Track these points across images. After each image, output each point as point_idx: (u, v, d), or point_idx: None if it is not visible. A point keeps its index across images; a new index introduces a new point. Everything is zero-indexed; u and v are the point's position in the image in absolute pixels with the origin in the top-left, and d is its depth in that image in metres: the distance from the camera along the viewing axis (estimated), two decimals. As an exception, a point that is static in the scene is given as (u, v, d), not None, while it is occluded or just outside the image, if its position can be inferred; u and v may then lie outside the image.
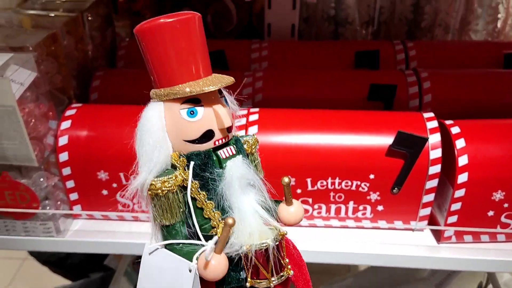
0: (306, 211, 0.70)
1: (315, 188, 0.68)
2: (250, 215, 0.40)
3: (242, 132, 0.67)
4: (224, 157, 0.41)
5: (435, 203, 0.69)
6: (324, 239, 0.71)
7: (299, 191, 0.68)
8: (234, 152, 0.42)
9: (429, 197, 0.67)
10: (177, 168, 0.40)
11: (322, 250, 0.69)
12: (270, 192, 0.43)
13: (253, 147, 0.44)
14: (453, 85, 0.79)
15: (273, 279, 0.42)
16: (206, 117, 0.40)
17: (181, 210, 0.41)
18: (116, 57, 0.93)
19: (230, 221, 0.37)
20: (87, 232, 0.73)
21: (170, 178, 0.39)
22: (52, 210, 0.69)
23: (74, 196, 0.71)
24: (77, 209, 0.73)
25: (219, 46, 0.88)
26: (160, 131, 0.40)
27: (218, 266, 0.38)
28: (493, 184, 0.64)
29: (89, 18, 0.84)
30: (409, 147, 0.64)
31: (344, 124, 0.67)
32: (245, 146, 0.44)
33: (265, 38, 0.99)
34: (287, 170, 0.66)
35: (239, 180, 0.40)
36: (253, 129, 0.67)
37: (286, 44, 0.93)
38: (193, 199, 0.40)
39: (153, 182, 0.39)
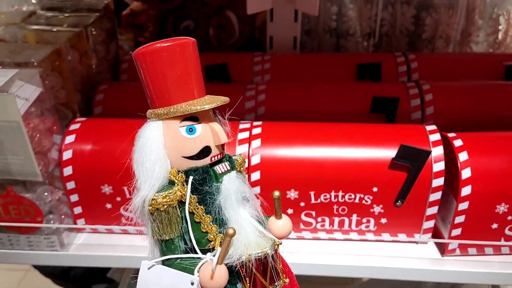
0: (310, 224, 0.70)
1: (319, 201, 0.68)
2: (247, 226, 0.42)
3: (245, 146, 0.67)
4: (220, 172, 0.42)
5: (438, 215, 0.69)
6: (327, 252, 0.71)
7: (302, 204, 0.68)
8: (229, 168, 0.43)
9: (432, 210, 0.67)
10: (176, 184, 0.41)
11: (325, 263, 0.69)
12: (262, 206, 0.44)
13: (241, 165, 0.45)
14: (455, 98, 0.79)
15: (271, 287, 0.43)
16: (203, 134, 0.41)
17: (180, 224, 0.42)
18: (119, 70, 0.94)
19: (231, 231, 0.38)
20: (91, 245, 0.73)
21: (170, 193, 0.40)
22: (56, 224, 0.69)
23: (78, 210, 0.72)
24: (81, 223, 0.73)
25: (221, 59, 0.89)
26: (160, 148, 0.41)
27: (220, 277, 0.39)
28: (497, 196, 0.64)
29: (93, 33, 0.85)
30: (412, 160, 0.64)
31: (347, 137, 0.68)
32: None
33: (267, 50, 1.00)
34: (290, 184, 0.67)
35: (236, 193, 0.42)
36: (256, 143, 0.67)
37: (289, 57, 0.94)
38: (191, 213, 0.41)
39: (154, 197, 0.40)
